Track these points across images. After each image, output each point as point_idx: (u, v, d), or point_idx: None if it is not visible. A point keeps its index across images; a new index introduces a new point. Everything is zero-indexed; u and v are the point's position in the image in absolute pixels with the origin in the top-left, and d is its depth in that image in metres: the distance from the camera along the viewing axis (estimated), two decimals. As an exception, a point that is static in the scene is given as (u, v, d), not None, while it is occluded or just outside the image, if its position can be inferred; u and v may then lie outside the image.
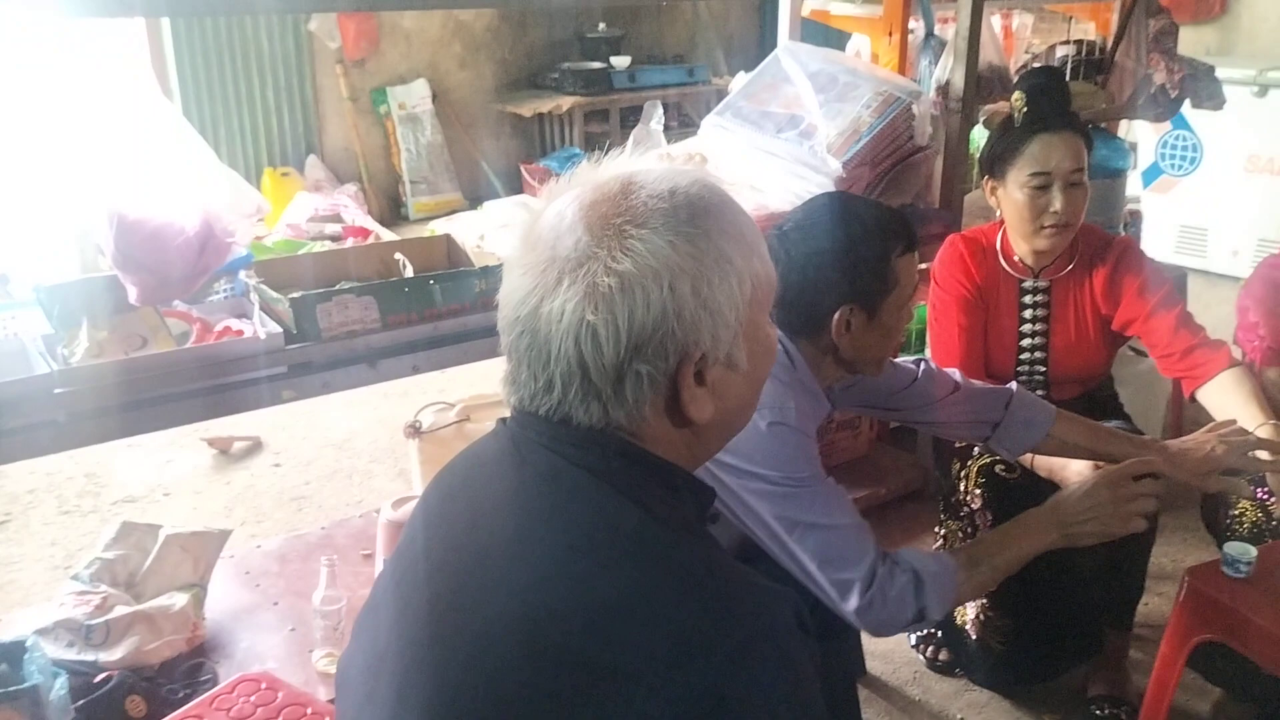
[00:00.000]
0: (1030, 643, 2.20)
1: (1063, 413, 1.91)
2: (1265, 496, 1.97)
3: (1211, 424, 1.87)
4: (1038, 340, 2.28)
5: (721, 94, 2.97)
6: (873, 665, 2.41)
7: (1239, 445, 1.79)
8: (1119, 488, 1.59)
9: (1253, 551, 1.67)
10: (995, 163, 2.19)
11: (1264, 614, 1.55)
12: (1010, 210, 2.19)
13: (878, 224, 1.61)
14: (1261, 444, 1.82)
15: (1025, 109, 2.13)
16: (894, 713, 2.28)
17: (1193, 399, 2.10)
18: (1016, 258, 2.26)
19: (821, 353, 1.64)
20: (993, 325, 2.29)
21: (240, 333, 2.03)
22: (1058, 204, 2.11)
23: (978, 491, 2.15)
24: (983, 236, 2.32)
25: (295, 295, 1.97)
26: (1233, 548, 1.67)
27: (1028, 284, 2.27)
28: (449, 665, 0.84)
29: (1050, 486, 2.05)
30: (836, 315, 1.58)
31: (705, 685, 0.77)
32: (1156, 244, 4.95)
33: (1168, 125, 5.12)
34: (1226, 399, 1.99)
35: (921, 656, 2.43)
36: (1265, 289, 2.09)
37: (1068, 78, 2.97)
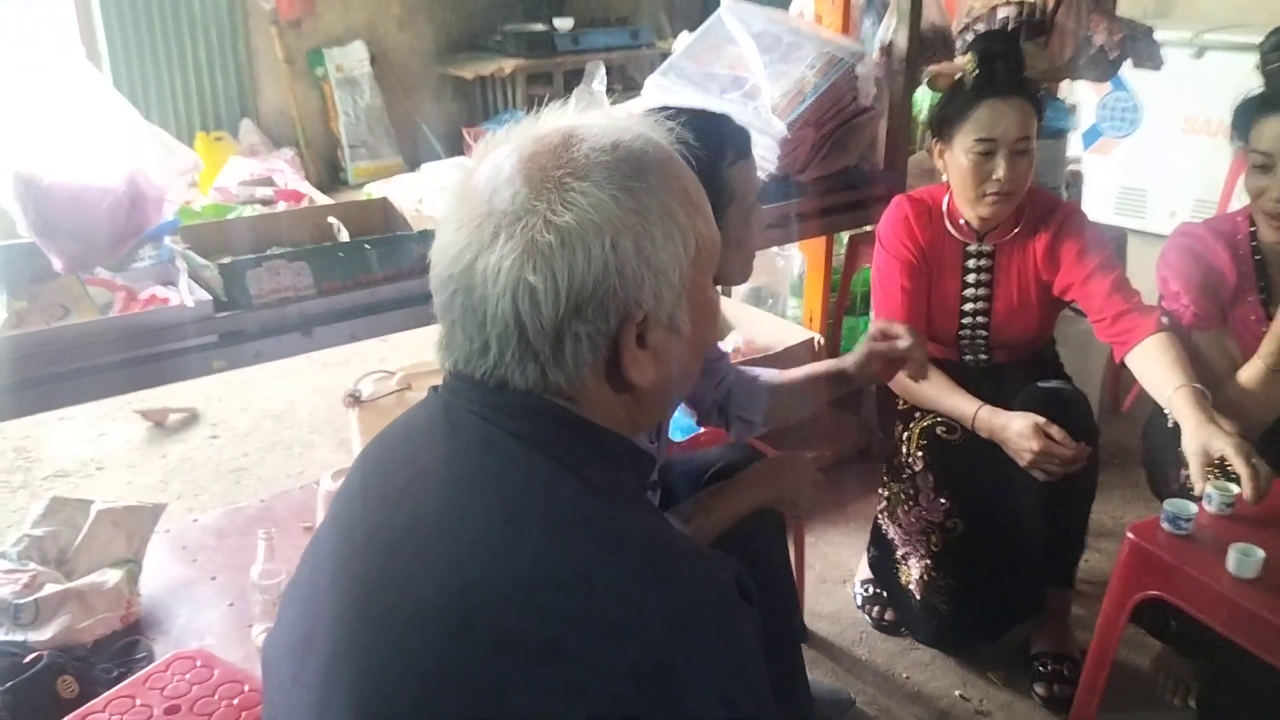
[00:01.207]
0: (973, 602, 2.21)
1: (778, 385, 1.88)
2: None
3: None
4: (980, 305, 2.27)
5: (666, 57, 2.92)
6: (819, 626, 2.42)
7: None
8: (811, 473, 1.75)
9: (1193, 508, 1.69)
10: (942, 125, 2.18)
11: (1204, 569, 1.57)
12: (955, 175, 2.17)
13: (703, 134, 1.57)
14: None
15: (976, 73, 2.12)
16: (840, 673, 2.29)
17: (1123, 364, 2.11)
18: (962, 221, 2.25)
19: None
20: (935, 288, 2.28)
21: (167, 301, 1.96)
22: (1001, 171, 2.09)
23: (919, 454, 2.15)
24: (929, 198, 2.31)
25: (224, 261, 1.91)
26: (1173, 504, 1.68)
27: (972, 248, 2.26)
28: (378, 646, 0.81)
29: (989, 446, 2.07)
30: None
31: (646, 659, 0.75)
32: (1097, 206, 5.00)
33: (1107, 87, 5.16)
34: (1151, 363, 1.99)
35: (867, 617, 2.44)
36: (1180, 258, 2.11)
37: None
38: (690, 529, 1.62)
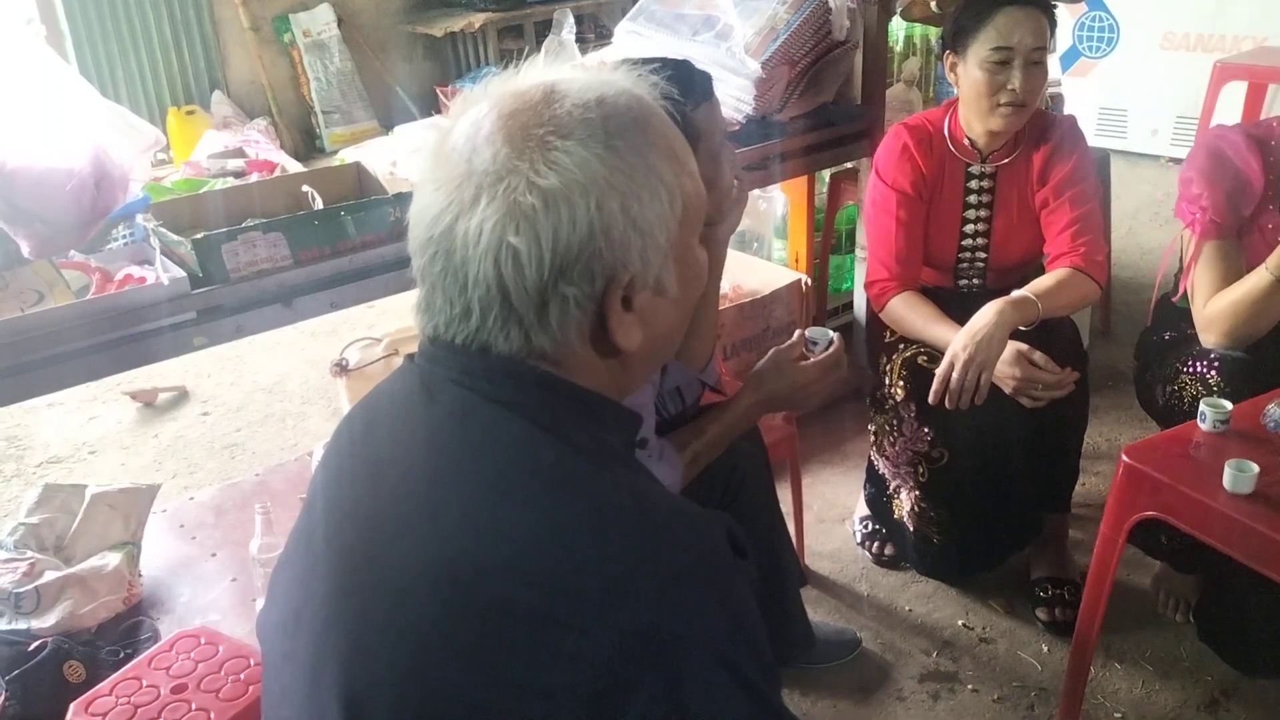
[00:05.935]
0: (965, 532, 2.23)
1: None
2: (1204, 370, 1.98)
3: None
4: (980, 227, 2.26)
5: (637, 3, 2.87)
6: (819, 565, 2.44)
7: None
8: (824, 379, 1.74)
9: (1228, 406, 1.69)
10: (958, 36, 2.12)
11: (1199, 487, 1.57)
12: (968, 87, 2.12)
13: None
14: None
15: None
16: (844, 609, 2.31)
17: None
18: (966, 141, 2.22)
19: None
20: (935, 212, 2.25)
21: (143, 280, 1.93)
22: (1016, 82, 2.05)
23: (900, 384, 2.15)
24: (928, 123, 2.26)
25: (198, 236, 1.88)
26: (1210, 403, 1.69)
27: (975, 169, 2.23)
28: (365, 621, 0.79)
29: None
30: None
31: (640, 624, 0.73)
32: (1078, 128, 4.97)
33: (1084, 7, 5.11)
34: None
35: (867, 553, 2.45)
36: (1210, 161, 2.03)
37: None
38: (688, 455, 1.62)
